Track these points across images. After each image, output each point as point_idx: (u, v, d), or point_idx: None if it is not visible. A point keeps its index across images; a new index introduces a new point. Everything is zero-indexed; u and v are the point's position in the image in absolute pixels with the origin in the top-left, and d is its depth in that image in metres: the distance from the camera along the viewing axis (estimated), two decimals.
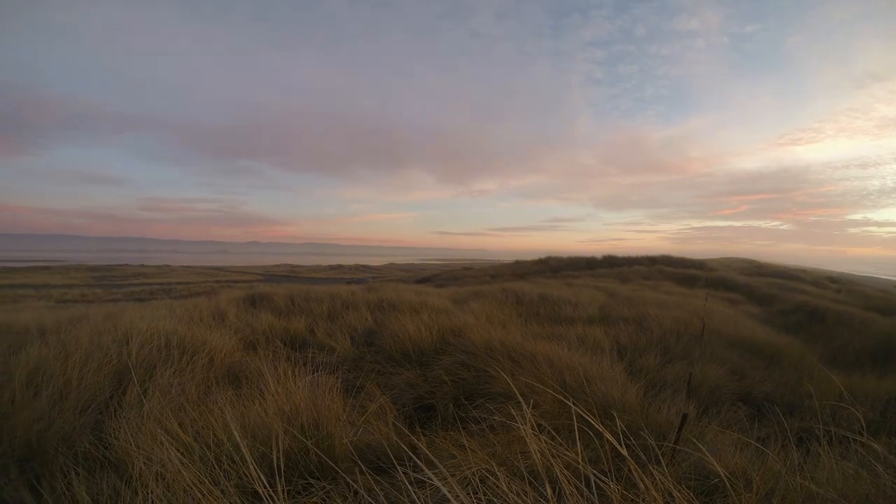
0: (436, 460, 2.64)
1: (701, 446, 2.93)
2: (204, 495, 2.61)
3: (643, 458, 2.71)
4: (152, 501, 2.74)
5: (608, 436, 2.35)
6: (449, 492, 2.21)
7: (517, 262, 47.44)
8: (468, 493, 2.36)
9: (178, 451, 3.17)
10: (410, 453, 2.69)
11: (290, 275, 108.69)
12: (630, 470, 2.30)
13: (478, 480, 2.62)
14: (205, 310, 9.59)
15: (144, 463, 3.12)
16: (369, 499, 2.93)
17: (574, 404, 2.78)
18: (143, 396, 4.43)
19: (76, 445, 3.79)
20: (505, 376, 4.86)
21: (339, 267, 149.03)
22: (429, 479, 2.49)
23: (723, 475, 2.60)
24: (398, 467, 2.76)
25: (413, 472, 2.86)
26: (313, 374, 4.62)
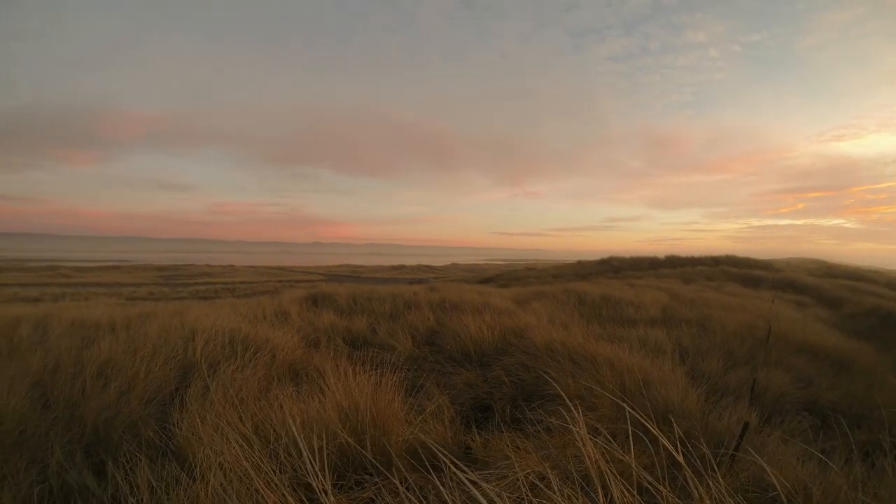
0: (489, 461, 2.67)
1: (760, 457, 2.87)
2: (260, 485, 2.69)
3: (700, 466, 2.66)
4: (210, 489, 2.85)
5: (665, 442, 2.32)
6: (496, 496, 2.23)
7: (579, 263, 46.95)
8: (517, 496, 2.38)
9: (238, 442, 3.28)
10: (463, 454, 2.73)
11: (352, 275, 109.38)
12: (685, 478, 2.27)
13: (528, 484, 2.63)
14: (268, 308, 9.79)
15: (204, 452, 3.23)
16: (419, 497, 2.98)
17: (632, 408, 2.76)
18: (206, 390, 4.61)
19: (140, 434, 3.99)
20: (563, 379, 4.85)
21: (402, 267, 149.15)
22: (481, 479, 2.52)
23: (781, 488, 2.54)
24: (451, 467, 2.81)
25: (465, 472, 2.89)
26: (373, 372, 4.69)
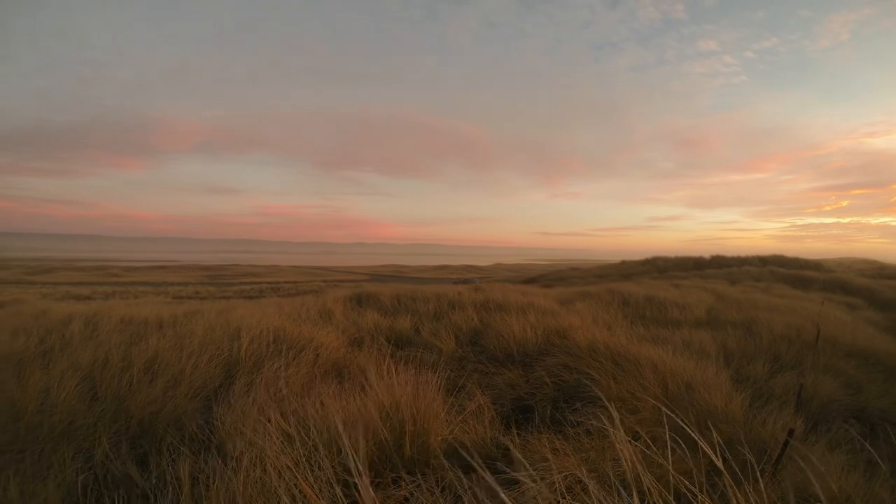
0: (526, 463, 2.68)
1: (804, 466, 2.81)
2: (299, 480, 2.75)
3: (741, 474, 2.62)
4: (250, 482, 2.93)
5: (706, 448, 2.30)
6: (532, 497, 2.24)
7: (623, 263, 46.45)
8: (554, 499, 2.39)
9: (279, 438, 3.36)
10: (502, 455, 2.74)
11: (396, 275, 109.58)
12: (724, 486, 2.24)
13: (565, 486, 2.62)
14: (312, 308, 9.87)
15: (246, 447, 3.33)
16: (455, 496, 3.01)
17: (673, 412, 2.75)
18: (249, 387, 4.76)
19: (184, 428, 4.14)
20: (605, 381, 4.83)
21: (446, 267, 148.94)
22: (520, 479, 2.54)
23: (823, 500, 2.48)
24: (489, 467, 2.83)
25: (503, 472, 2.91)
26: (416, 371, 4.73)
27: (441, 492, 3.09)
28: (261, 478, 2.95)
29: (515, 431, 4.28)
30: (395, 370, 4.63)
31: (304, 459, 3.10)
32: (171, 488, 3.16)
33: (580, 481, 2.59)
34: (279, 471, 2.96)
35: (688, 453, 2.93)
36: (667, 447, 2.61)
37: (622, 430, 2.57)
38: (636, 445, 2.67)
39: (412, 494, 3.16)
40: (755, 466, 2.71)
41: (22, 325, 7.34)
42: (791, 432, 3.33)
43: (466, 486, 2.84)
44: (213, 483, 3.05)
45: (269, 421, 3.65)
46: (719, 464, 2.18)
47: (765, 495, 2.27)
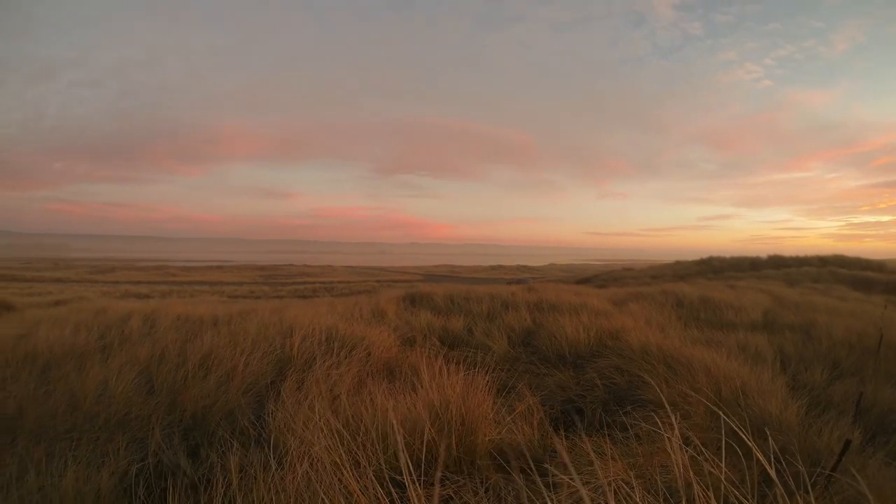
0: (573, 466, 2.66)
1: (860, 479, 2.71)
2: (346, 475, 2.79)
3: (793, 485, 2.55)
4: (298, 476, 3.00)
5: (759, 455, 2.24)
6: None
7: (678, 263, 45.64)
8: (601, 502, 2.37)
9: (328, 434, 3.42)
10: (548, 457, 2.73)
11: (449, 275, 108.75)
12: (775, 496, 2.18)
13: (611, 491, 2.60)
14: (364, 307, 10.00)
15: (295, 442, 3.44)
16: (498, 497, 3.02)
17: (727, 418, 2.70)
18: (300, 384, 4.86)
19: (235, 422, 4.28)
20: (657, 384, 4.77)
21: (500, 267, 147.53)
22: (565, 482, 2.53)
23: None
24: (535, 469, 2.82)
25: (548, 475, 2.90)
26: (467, 372, 4.74)
27: (485, 492, 3.11)
28: (308, 473, 3.01)
29: (563, 434, 4.27)
30: (447, 370, 4.67)
31: (352, 456, 3.16)
32: (220, 479, 3.25)
33: (627, 484, 2.56)
34: (327, 467, 3.02)
35: (742, 461, 2.87)
36: (718, 454, 2.57)
37: (677, 437, 2.54)
38: (685, 451, 2.63)
39: (456, 493, 3.18)
40: (808, 477, 2.63)
41: (83, 321, 7.67)
42: (847, 443, 3.20)
43: (510, 488, 2.85)
44: (262, 476, 3.13)
45: (319, 417, 3.71)
46: (772, 473, 2.13)
47: None
